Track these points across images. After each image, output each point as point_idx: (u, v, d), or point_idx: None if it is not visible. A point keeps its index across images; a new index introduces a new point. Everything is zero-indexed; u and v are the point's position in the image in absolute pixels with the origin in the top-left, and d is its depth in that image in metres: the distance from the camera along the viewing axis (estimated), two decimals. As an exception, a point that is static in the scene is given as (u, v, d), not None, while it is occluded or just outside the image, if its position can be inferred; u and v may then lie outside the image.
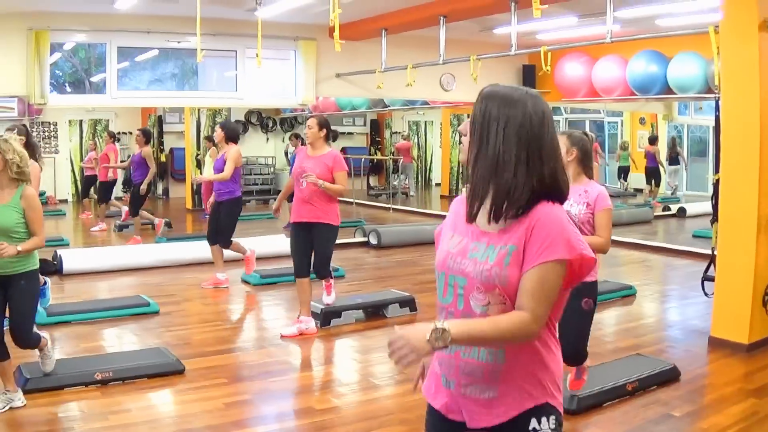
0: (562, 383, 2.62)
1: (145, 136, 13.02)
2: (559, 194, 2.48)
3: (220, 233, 9.63)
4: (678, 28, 9.93)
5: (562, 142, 4.66)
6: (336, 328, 7.85)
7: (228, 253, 9.85)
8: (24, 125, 7.88)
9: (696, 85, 11.15)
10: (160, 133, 20.70)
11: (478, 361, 2.48)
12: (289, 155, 18.24)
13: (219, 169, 9.47)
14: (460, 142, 3.08)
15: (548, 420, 2.49)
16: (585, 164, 5.00)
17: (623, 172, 18.74)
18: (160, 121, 20.70)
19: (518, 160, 2.41)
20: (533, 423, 2.47)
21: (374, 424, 5.32)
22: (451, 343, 2.29)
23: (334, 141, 16.80)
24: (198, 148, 18.37)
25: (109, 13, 10.88)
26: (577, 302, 4.88)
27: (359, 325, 8.04)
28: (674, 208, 17.37)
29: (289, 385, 6.24)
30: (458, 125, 21.01)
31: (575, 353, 5.14)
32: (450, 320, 2.35)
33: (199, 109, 18.25)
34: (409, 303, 8.50)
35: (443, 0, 10.29)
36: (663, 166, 17.78)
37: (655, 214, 16.91)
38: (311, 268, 7.61)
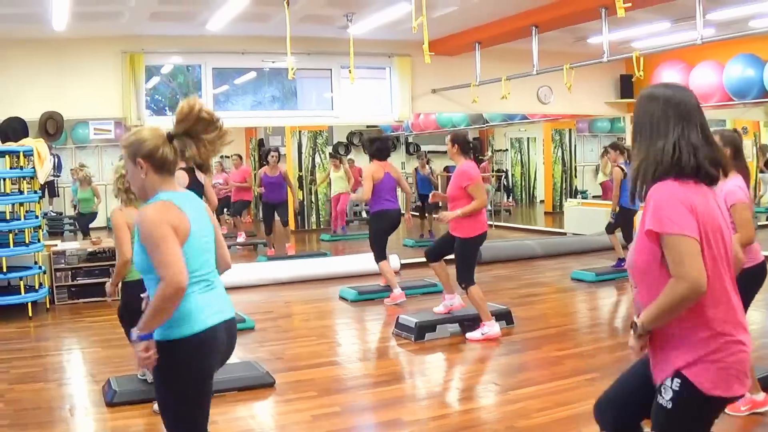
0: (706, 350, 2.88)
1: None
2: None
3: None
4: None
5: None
6: (430, 342, 7.75)
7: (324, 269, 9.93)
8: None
9: (794, 87, 10.76)
10: (262, 156, 20.94)
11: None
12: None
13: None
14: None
15: (672, 382, 2.90)
16: (735, 159, 5.06)
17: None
18: (260, 144, 20.95)
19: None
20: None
21: (463, 436, 5.21)
22: (643, 331, 2.92)
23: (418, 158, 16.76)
24: (300, 170, 18.50)
25: (202, 34, 11.07)
26: None
27: (454, 338, 7.91)
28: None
29: (379, 398, 6.15)
30: (560, 141, 20.80)
31: None
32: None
33: (300, 131, 18.39)
34: (505, 316, 8.33)
35: (533, 10, 10.15)
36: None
37: (759, 223, 16.34)
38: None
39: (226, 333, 3.56)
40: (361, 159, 20.94)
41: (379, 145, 9.79)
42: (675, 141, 2.88)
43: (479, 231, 7.85)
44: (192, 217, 3.48)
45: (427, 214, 16.34)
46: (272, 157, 13.47)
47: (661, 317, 2.84)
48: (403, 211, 10.07)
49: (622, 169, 10.56)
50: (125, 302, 5.75)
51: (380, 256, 9.75)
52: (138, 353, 3.36)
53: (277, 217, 13.58)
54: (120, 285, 5.74)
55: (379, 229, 9.74)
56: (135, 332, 3.37)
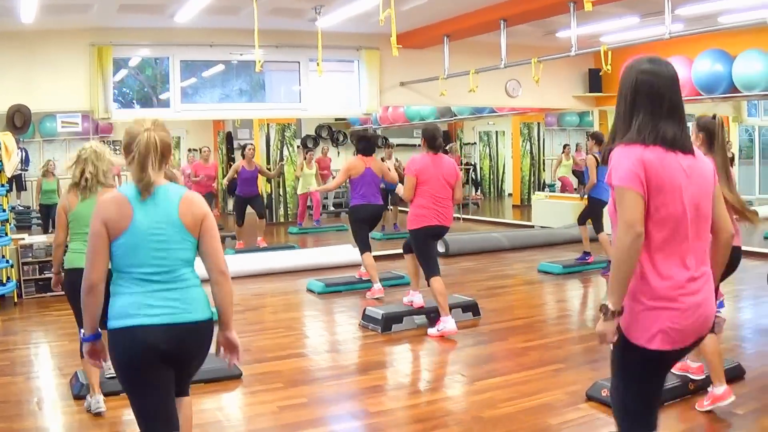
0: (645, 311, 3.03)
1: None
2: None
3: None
4: (739, 22, 9.70)
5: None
6: (397, 333, 7.79)
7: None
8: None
9: (761, 83, 10.84)
10: (230, 149, 20.89)
11: None
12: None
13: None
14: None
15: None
16: (709, 146, 5.05)
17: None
18: (229, 137, 20.90)
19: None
20: None
21: (428, 426, 5.24)
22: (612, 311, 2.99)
23: (377, 147, 16.73)
24: (268, 162, 18.44)
25: (170, 27, 11.06)
26: None
27: (421, 330, 7.94)
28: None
29: (345, 389, 6.20)
30: (528, 134, 20.89)
31: None
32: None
33: (268, 124, 18.34)
34: (471, 308, 8.40)
35: (502, 4, 10.21)
36: None
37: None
38: None
39: (167, 336, 3.45)
40: (330, 152, 20.96)
41: (365, 144, 9.89)
42: (641, 120, 3.08)
43: (419, 225, 7.79)
44: (141, 213, 3.45)
45: (391, 207, 16.33)
46: (249, 150, 13.54)
47: (615, 272, 2.98)
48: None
49: (596, 158, 10.54)
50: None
51: (362, 248, 9.79)
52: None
53: (250, 210, 13.60)
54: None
55: (355, 222, 9.78)
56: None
